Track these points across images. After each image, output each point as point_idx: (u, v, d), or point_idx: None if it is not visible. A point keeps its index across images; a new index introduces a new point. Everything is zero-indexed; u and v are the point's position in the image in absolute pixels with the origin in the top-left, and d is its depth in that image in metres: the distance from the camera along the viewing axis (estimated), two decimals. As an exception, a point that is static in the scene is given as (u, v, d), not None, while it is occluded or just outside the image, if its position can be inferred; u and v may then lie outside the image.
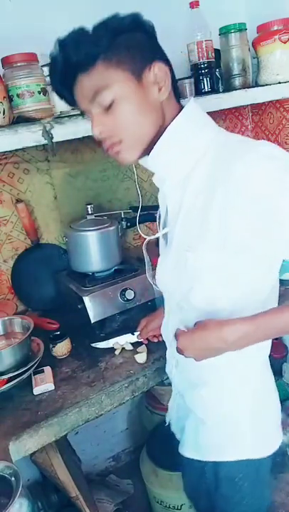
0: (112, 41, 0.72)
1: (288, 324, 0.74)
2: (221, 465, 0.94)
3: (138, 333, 1.23)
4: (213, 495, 0.98)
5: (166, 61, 0.80)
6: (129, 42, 0.74)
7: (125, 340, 1.23)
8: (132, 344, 1.22)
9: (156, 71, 0.76)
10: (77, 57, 0.72)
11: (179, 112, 0.80)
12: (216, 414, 0.93)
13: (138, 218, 1.23)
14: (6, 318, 1.26)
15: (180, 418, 1.06)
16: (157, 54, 0.78)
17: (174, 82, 0.81)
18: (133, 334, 1.24)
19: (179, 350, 0.83)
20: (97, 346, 1.24)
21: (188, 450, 1.02)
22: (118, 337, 1.24)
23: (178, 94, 0.83)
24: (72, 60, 0.73)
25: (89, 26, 0.76)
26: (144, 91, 0.75)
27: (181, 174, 0.80)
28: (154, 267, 1.42)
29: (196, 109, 0.81)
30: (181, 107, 0.81)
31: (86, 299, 1.27)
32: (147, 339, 1.23)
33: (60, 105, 1.16)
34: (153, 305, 1.36)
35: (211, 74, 1.39)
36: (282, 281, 0.96)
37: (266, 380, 0.96)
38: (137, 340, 1.23)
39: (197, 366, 0.84)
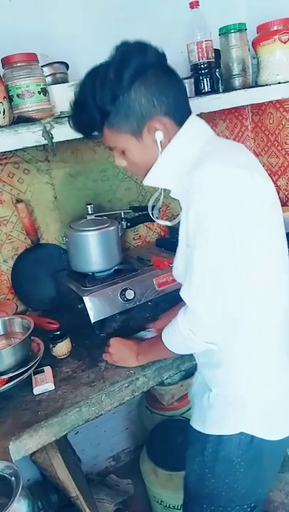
0: (111, 108, 0.86)
1: (163, 354, 1.04)
2: (223, 441, 0.94)
3: (154, 330, 1.23)
4: (205, 473, 0.99)
5: (167, 102, 0.87)
6: (126, 105, 0.85)
7: (142, 337, 1.22)
8: None
9: (153, 132, 0.88)
10: (90, 132, 0.94)
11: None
12: (229, 392, 0.96)
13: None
14: (6, 318, 1.26)
15: (197, 394, 1.08)
16: (157, 106, 0.86)
17: (181, 113, 0.90)
18: (149, 331, 1.23)
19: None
20: None
21: (196, 422, 1.03)
22: (134, 335, 1.23)
23: (184, 119, 0.91)
24: (87, 133, 0.96)
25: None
26: (145, 145, 0.90)
27: (181, 183, 0.89)
28: (154, 267, 1.43)
29: (187, 129, 0.91)
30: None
31: (86, 299, 1.27)
32: None
33: (60, 105, 1.16)
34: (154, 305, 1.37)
35: (211, 74, 1.39)
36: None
37: (282, 365, 0.97)
38: (154, 335, 1.21)
39: (216, 350, 0.92)
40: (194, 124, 0.92)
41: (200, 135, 0.92)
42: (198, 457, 1.00)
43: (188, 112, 0.93)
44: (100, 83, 0.84)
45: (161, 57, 0.88)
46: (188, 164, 0.87)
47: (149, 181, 0.95)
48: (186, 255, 0.90)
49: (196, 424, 1.02)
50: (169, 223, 1.07)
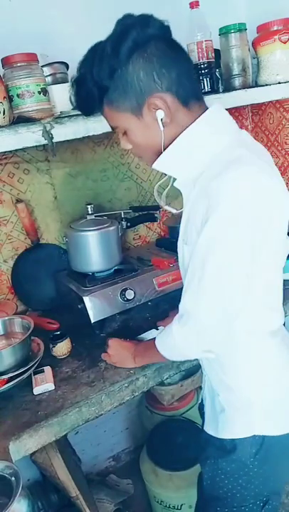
0: (109, 83, 0.81)
1: (159, 358, 0.98)
2: (236, 444, 0.95)
3: (162, 328, 1.23)
4: (218, 475, 0.99)
5: (170, 77, 0.81)
6: (124, 79, 0.80)
7: (151, 336, 1.22)
8: None
9: (153, 108, 0.82)
10: (89, 109, 0.89)
11: (193, 119, 0.84)
12: (236, 396, 0.96)
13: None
14: (6, 318, 1.26)
15: (207, 398, 1.08)
16: (157, 81, 0.80)
17: (187, 91, 0.83)
18: (157, 329, 1.23)
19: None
20: None
21: (209, 426, 1.03)
22: (143, 334, 1.23)
23: (191, 99, 0.85)
24: (87, 111, 0.90)
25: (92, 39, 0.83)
26: (146, 124, 0.84)
27: (189, 176, 0.86)
28: (154, 267, 1.43)
29: (209, 119, 0.85)
30: (198, 114, 0.84)
31: (86, 299, 1.27)
32: None
33: (60, 105, 1.16)
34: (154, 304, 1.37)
35: (210, 74, 1.39)
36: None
37: (282, 364, 0.98)
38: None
39: (217, 354, 0.92)
40: (218, 116, 0.87)
41: (224, 129, 0.86)
42: (210, 460, 1.00)
43: (196, 92, 0.86)
44: (98, 57, 0.80)
45: (164, 29, 0.83)
46: (206, 158, 0.83)
47: (158, 165, 0.89)
48: (183, 251, 0.90)
49: (209, 429, 1.02)
50: (174, 211, 1.00)
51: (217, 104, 0.87)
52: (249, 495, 0.98)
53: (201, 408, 1.14)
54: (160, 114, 0.82)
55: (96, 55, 0.81)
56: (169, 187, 0.99)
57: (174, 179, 0.92)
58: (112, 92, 0.82)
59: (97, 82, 0.81)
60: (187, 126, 0.84)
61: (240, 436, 0.95)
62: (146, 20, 0.81)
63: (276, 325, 0.95)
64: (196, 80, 0.87)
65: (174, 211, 1.00)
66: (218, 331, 0.87)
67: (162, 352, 0.97)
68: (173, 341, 0.91)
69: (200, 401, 1.18)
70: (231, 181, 0.76)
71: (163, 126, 0.83)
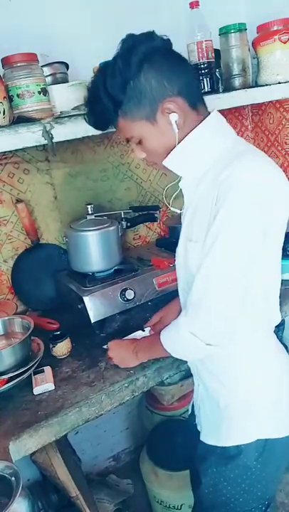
0: (123, 96, 0.86)
1: (165, 353, 0.96)
2: (240, 450, 0.95)
3: (149, 329, 1.23)
4: (220, 482, 0.99)
5: (179, 83, 0.86)
6: (138, 90, 0.85)
7: (138, 336, 1.21)
8: None
9: (166, 112, 0.87)
10: (106, 124, 0.96)
11: (200, 121, 0.90)
12: (237, 401, 0.97)
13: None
14: (6, 318, 1.26)
15: (203, 408, 1.07)
16: (168, 87, 0.86)
17: (193, 96, 0.90)
18: (143, 331, 1.23)
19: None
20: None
21: (208, 437, 1.02)
22: (129, 335, 1.22)
23: (198, 103, 0.91)
24: (103, 126, 0.98)
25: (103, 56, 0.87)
26: (161, 128, 0.89)
27: (195, 175, 0.91)
28: (154, 267, 1.43)
29: (214, 122, 0.92)
30: (203, 116, 0.91)
31: (86, 299, 1.27)
32: None
33: (60, 105, 1.16)
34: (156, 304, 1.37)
35: (210, 74, 1.39)
36: (282, 281, 0.96)
37: (280, 365, 0.99)
38: (148, 335, 1.21)
39: (215, 357, 0.95)
40: (220, 119, 0.94)
41: (227, 131, 0.93)
42: (212, 469, 1.00)
43: (201, 97, 0.93)
44: (110, 73, 0.86)
45: (167, 42, 0.89)
46: (211, 158, 0.88)
47: (168, 162, 0.92)
48: (186, 248, 0.92)
49: (209, 439, 1.02)
50: (178, 211, 1.03)
51: (215, 110, 0.93)
52: (251, 499, 0.98)
53: (192, 420, 1.12)
54: (174, 116, 0.87)
55: (107, 72, 0.86)
56: (176, 189, 1.01)
57: (179, 180, 0.96)
58: (126, 103, 0.87)
59: (111, 95, 0.87)
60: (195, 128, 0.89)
61: (244, 442, 0.94)
62: (149, 35, 0.87)
63: (274, 323, 0.96)
64: (199, 85, 0.93)
65: (178, 211, 1.03)
66: (227, 316, 0.84)
67: (166, 346, 0.95)
68: (179, 334, 0.89)
69: (190, 412, 1.17)
70: (241, 170, 0.80)
71: (177, 128, 0.88)
